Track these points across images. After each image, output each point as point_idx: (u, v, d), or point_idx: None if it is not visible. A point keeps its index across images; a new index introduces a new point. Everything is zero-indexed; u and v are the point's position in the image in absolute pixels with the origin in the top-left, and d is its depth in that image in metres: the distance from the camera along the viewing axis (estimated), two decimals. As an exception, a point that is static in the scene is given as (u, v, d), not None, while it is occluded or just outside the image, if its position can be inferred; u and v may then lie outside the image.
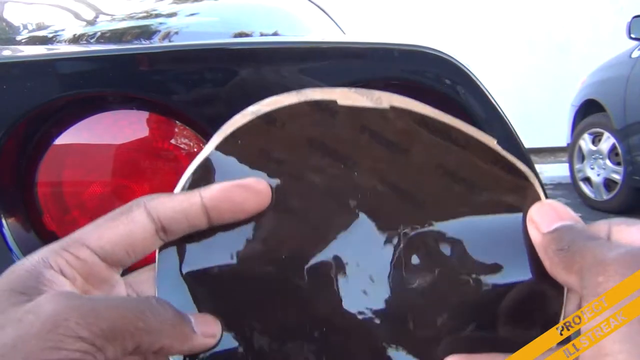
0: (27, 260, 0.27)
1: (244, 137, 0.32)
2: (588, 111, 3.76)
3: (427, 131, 0.32)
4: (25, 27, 1.05)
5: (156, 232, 0.30)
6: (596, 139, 3.68)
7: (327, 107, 0.32)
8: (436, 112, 0.33)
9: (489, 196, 0.33)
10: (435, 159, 0.33)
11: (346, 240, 0.32)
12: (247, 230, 0.32)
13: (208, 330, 0.30)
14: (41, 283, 0.25)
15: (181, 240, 0.32)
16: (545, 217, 0.31)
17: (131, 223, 0.29)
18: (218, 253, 0.32)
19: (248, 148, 0.33)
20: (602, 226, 0.30)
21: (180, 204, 0.30)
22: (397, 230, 0.32)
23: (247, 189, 0.31)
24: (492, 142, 0.33)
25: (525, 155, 0.56)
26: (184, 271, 0.31)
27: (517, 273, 0.32)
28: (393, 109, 0.32)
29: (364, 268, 0.32)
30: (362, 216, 0.32)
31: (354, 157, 0.32)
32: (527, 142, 0.59)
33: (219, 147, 0.33)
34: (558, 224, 0.30)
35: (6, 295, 0.24)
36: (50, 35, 0.96)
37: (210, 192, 0.31)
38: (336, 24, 1.72)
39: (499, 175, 0.33)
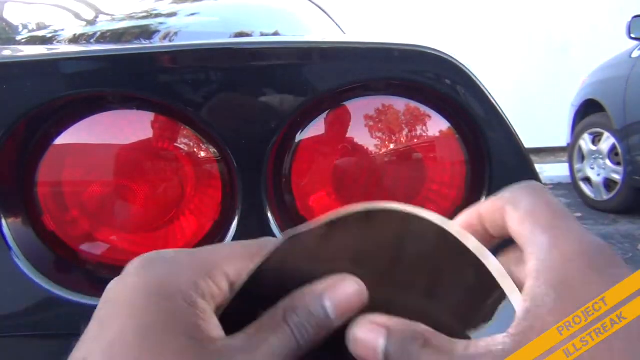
0: (179, 279, 0.26)
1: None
2: (588, 111, 3.76)
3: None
4: (25, 27, 1.05)
5: None
6: (596, 139, 3.68)
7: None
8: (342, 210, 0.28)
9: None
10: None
11: None
12: None
13: None
14: (197, 317, 0.25)
15: None
16: None
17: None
18: None
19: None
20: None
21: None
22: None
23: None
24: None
25: (525, 155, 0.56)
26: None
27: None
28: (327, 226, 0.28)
29: None
30: None
31: None
32: (527, 142, 0.59)
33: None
34: None
35: (176, 333, 0.24)
36: (50, 35, 0.96)
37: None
38: (336, 24, 1.71)
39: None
